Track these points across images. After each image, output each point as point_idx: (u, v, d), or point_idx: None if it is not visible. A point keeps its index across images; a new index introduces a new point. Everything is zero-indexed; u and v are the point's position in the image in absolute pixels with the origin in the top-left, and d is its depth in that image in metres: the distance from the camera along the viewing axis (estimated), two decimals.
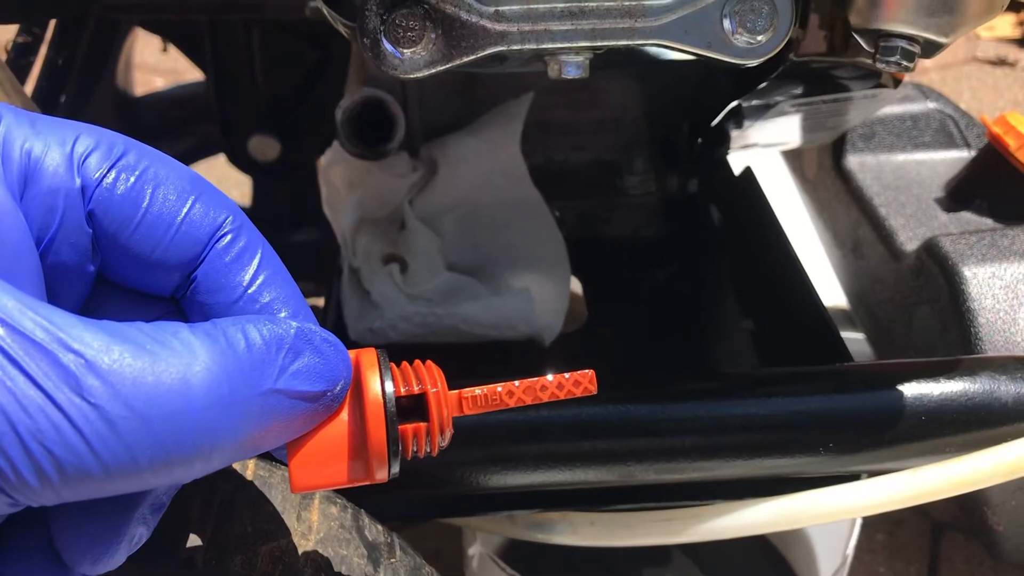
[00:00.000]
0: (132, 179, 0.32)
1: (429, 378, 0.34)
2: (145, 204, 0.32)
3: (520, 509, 0.60)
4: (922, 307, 0.81)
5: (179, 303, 0.35)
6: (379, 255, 0.74)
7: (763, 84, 0.64)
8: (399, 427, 0.33)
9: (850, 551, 0.74)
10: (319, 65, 1.11)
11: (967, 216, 0.88)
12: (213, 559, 0.42)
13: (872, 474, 0.59)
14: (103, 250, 0.32)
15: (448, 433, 0.34)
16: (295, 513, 0.46)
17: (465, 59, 0.44)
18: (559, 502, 0.61)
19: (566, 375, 0.33)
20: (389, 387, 0.32)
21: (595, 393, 0.33)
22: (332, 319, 0.71)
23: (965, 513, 0.93)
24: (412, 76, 0.44)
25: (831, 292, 1.08)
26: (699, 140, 0.83)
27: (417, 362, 0.35)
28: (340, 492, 0.50)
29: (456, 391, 0.34)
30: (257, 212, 1.32)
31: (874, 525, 1.08)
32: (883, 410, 0.55)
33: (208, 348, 0.28)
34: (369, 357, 0.33)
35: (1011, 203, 0.85)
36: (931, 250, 0.79)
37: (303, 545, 0.45)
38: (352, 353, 0.34)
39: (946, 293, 0.76)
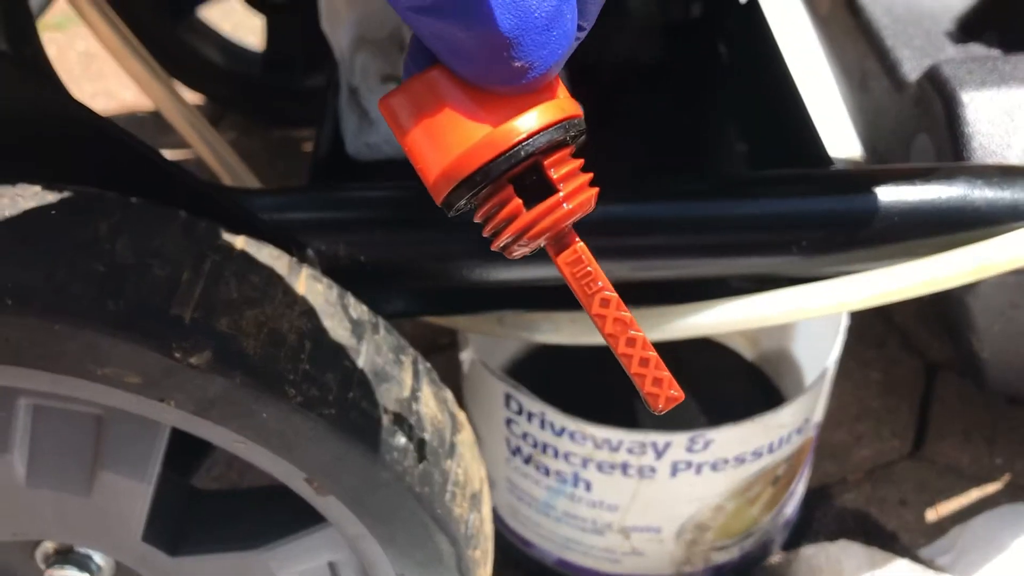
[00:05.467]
0: None
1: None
2: None
3: (506, 309, 0.63)
4: (920, 135, 0.81)
5: None
6: (377, 74, 0.75)
7: None
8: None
9: (831, 364, 0.77)
10: None
11: (976, 49, 0.86)
12: (201, 318, 0.45)
13: None
14: None
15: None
16: (281, 286, 0.49)
17: None
18: (543, 304, 0.63)
19: None
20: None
21: None
22: (329, 133, 0.73)
23: (954, 345, 0.95)
24: None
25: (843, 133, 1.07)
26: None
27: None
28: (327, 272, 0.52)
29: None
30: (271, 56, 1.31)
31: (869, 364, 1.11)
32: (858, 210, 0.57)
33: None
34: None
35: (1022, 33, 0.84)
36: (931, 76, 0.78)
37: (288, 314, 0.48)
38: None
39: (943, 118, 0.76)
